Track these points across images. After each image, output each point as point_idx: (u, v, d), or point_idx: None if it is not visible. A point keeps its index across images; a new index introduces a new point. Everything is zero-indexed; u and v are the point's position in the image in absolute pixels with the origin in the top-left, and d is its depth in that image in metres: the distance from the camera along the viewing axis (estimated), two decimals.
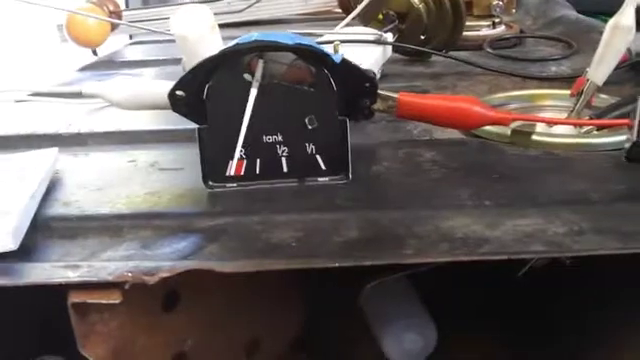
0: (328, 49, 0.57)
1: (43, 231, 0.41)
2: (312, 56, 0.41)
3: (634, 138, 0.41)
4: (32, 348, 0.48)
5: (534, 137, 0.49)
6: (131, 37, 1.12)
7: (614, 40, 0.53)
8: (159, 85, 0.45)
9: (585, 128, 0.52)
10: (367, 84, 0.42)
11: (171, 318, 0.45)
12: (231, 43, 0.41)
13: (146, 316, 0.43)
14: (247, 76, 0.41)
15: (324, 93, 0.41)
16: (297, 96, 0.41)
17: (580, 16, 0.88)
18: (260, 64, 0.41)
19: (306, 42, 0.40)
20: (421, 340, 0.58)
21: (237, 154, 0.42)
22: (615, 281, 0.55)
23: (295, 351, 0.62)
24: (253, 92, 0.40)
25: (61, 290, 0.35)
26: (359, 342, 0.64)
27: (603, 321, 0.57)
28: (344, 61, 0.41)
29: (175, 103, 0.42)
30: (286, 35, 0.41)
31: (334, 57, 0.40)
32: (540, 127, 0.53)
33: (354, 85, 0.42)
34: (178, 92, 0.42)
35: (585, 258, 0.36)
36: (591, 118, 0.52)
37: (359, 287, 0.66)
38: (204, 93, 0.41)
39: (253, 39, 0.40)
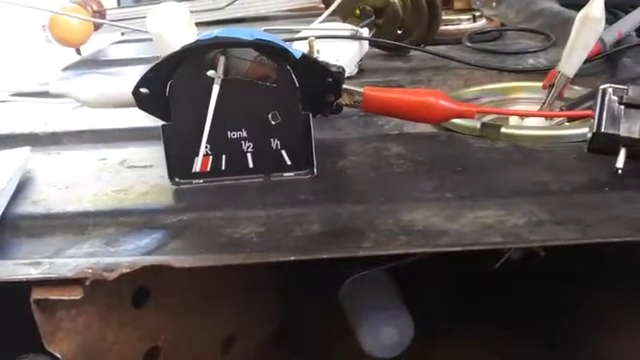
0: (303, 45, 0.58)
1: (11, 229, 0.41)
2: (272, 52, 0.41)
3: (595, 129, 0.41)
4: (19, 345, 0.48)
5: (503, 130, 0.49)
6: (123, 34, 1.12)
7: (584, 32, 0.54)
8: (125, 83, 0.45)
9: (556, 120, 0.52)
10: (329, 79, 0.42)
11: (142, 314, 0.45)
12: (192, 40, 0.41)
13: (115, 312, 0.43)
14: (211, 72, 0.42)
15: (286, 88, 0.41)
16: (260, 92, 0.42)
17: (561, 8, 0.87)
18: (222, 60, 0.41)
19: (266, 38, 0.41)
20: (397, 333, 0.58)
21: (202, 150, 0.42)
22: (613, 270, 0.55)
23: (276, 346, 0.62)
24: (215, 88, 0.41)
25: None
26: (341, 337, 0.64)
27: (600, 314, 0.57)
28: (304, 56, 0.41)
29: (140, 100, 0.43)
30: (247, 31, 0.41)
31: (294, 52, 0.41)
32: (512, 120, 0.53)
33: (317, 80, 0.42)
34: (142, 90, 0.42)
35: (564, 250, 0.36)
36: (562, 110, 0.53)
37: (341, 283, 0.67)
38: (167, 90, 0.41)
39: (213, 36, 0.40)
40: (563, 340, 0.61)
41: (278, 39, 0.42)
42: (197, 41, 0.41)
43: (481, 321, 0.64)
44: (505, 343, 0.62)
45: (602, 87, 0.41)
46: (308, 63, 0.42)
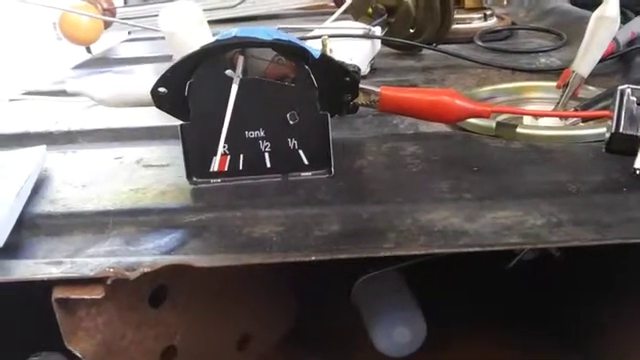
0: (316, 44, 0.58)
1: (30, 228, 0.41)
2: (291, 51, 0.41)
3: (613, 129, 0.41)
4: (32, 344, 0.48)
5: (519, 130, 0.49)
6: (130, 33, 1.13)
7: (599, 31, 0.54)
8: (143, 82, 0.46)
9: (570, 120, 0.52)
10: (347, 78, 0.42)
11: (160, 313, 0.46)
12: (211, 40, 0.41)
13: (134, 311, 0.43)
14: (229, 72, 0.42)
15: (305, 88, 0.42)
16: (278, 91, 0.42)
17: (572, 7, 0.88)
18: (240, 60, 0.41)
19: (285, 38, 0.41)
20: (410, 333, 0.58)
21: (220, 150, 0.42)
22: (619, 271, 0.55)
23: (291, 345, 0.62)
24: (234, 88, 0.41)
25: None
26: (356, 336, 0.64)
27: (603, 313, 0.57)
28: (323, 56, 0.41)
29: (158, 100, 0.43)
30: (266, 31, 0.41)
31: (313, 52, 0.41)
32: (527, 120, 0.53)
33: (334, 80, 0.42)
34: (160, 89, 0.42)
35: (578, 250, 0.36)
36: (576, 110, 0.53)
37: (354, 282, 0.66)
38: (186, 90, 0.41)
39: (233, 35, 0.41)
40: (575, 340, 0.61)
41: (296, 39, 0.42)
42: (217, 41, 0.41)
43: (494, 321, 0.64)
44: (517, 343, 0.62)
45: (620, 88, 0.41)
46: (326, 63, 0.42)
